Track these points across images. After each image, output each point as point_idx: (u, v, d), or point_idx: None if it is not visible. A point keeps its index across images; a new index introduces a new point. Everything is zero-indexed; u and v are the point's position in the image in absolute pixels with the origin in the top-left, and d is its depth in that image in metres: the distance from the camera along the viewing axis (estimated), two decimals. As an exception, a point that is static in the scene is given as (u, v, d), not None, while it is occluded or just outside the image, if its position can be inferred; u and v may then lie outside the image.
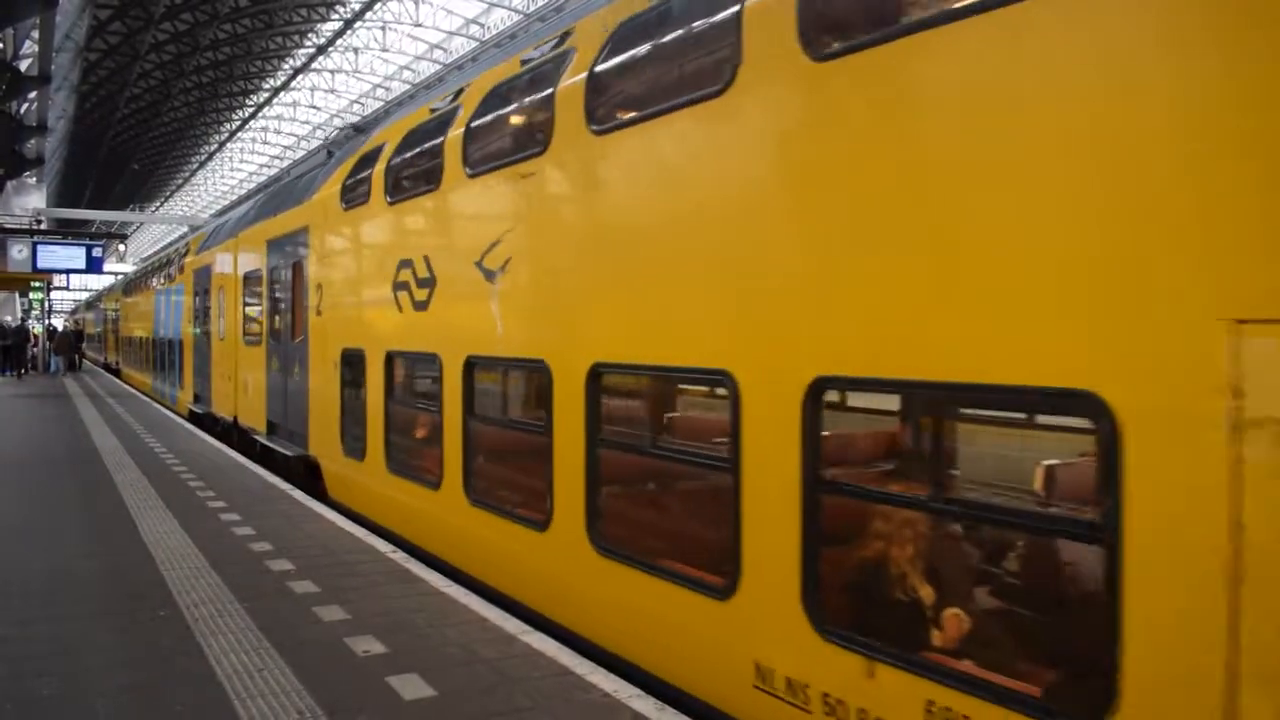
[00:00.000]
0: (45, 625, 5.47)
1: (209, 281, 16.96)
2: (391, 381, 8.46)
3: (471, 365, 6.87)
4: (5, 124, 24.12)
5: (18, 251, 25.47)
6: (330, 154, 11.91)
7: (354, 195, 9.32)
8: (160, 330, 24.03)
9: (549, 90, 5.90)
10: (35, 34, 20.56)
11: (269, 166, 67.13)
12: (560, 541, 5.66)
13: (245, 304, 14.23)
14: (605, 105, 5.53)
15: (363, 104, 53.26)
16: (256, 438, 12.93)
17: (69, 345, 36.78)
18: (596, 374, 5.35)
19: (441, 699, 4.38)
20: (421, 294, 7.54)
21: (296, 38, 47.62)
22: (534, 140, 6.11)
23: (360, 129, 11.78)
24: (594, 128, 5.42)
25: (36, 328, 42.69)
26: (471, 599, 6.04)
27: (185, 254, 20.97)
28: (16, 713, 4.27)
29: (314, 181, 11.32)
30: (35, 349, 35.81)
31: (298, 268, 11.27)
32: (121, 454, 12.76)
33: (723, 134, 4.52)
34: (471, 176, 6.85)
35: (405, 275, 7.84)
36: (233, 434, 14.71)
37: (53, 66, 23.77)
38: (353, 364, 9.26)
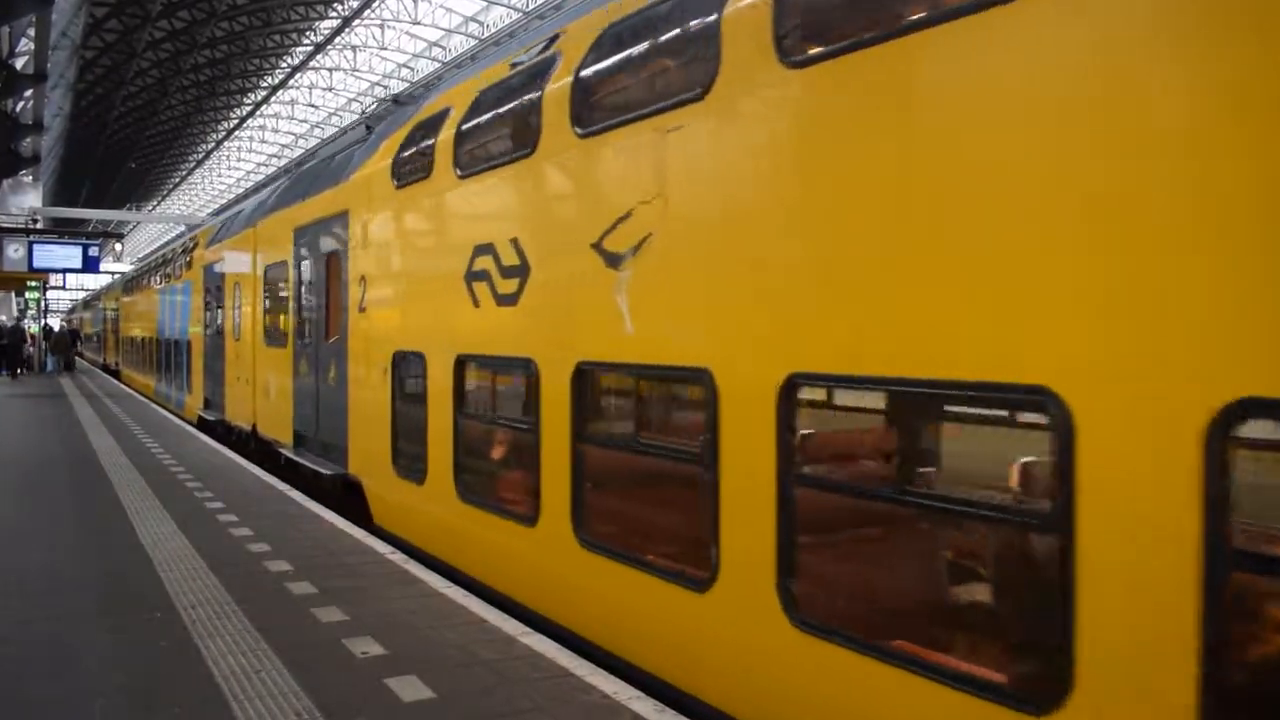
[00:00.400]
0: (43, 625, 5.44)
1: (222, 277, 15.67)
2: (463, 391, 7.07)
3: (583, 373, 5.51)
4: (1, 122, 24.06)
5: (14, 251, 25.34)
6: (369, 129, 10.49)
7: (410, 170, 7.97)
8: (165, 330, 22.56)
9: (708, 19, 4.59)
10: (31, 32, 20.49)
11: (266, 165, 67.09)
12: (733, 606, 4.33)
13: (266, 301, 12.79)
14: (809, 30, 4.22)
15: (360, 102, 53.21)
16: (282, 451, 11.52)
17: (66, 345, 36.82)
18: (793, 387, 4.02)
19: (441, 701, 4.36)
20: (508, 285, 6.23)
21: (294, 36, 47.53)
22: (684, 85, 4.83)
23: (401, 101, 10.53)
24: (789, 60, 4.10)
25: (33, 327, 42.68)
26: (471, 600, 6.02)
27: (193, 248, 19.42)
28: (14, 713, 4.26)
29: (352, 159, 9.85)
30: (31, 349, 35.73)
31: (334, 258, 9.89)
32: (118, 455, 12.72)
33: (1051, 47, 3.10)
34: (584, 137, 5.48)
35: (484, 263, 6.52)
36: (249, 444, 13.51)
37: (49, 64, 23.70)
38: (409, 369, 7.98)
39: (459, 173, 7.03)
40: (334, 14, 43.99)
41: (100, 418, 17.93)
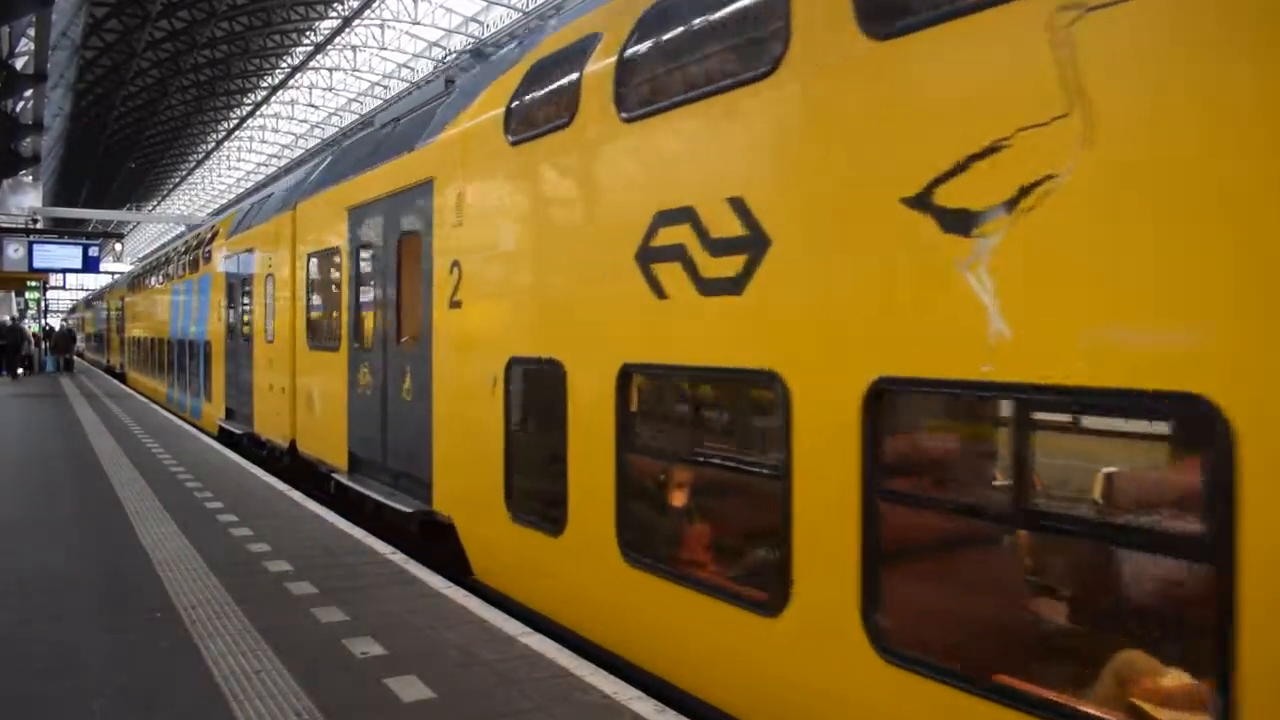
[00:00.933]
0: (43, 625, 5.45)
1: (250, 269, 13.82)
2: (630, 413, 5.24)
3: (887, 396, 3.70)
4: (1, 122, 24.07)
5: (14, 251, 25.36)
6: (450, 83, 8.79)
7: (535, 119, 6.27)
8: (179, 330, 20.54)
9: None
10: (31, 32, 20.52)
11: (266, 165, 67.12)
12: None
13: (311, 295, 11.04)
14: None
15: (361, 102, 53.28)
16: (336, 477, 9.69)
17: (66, 345, 36.96)
18: None
19: (441, 701, 4.36)
20: (723, 266, 4.43)
21: (294, 36, 47.56)
22: None
23: (485, 53, 8.90)
24: None
25: (34, 327, 42.71)
26: (471, 600, 6.01)
27: (212, 238, 17.48)
28: (14, 713, 4.26)
29: (433, 118, 8.11)
30: (33, 349, 35.69)
31: (409, 241, 8.16)
32: (119, 455, 12.72)
33: None
34: (885, 38, 3.73)
35: (675, 235, 4.74)
36: (284, 462, 11.86)
37: (49, 64, 23.72)
38: (536, 381, 6.29)
39: (625, 115, 5.24)
40: (334, 14, 44.02)
41: (101, 418, 17.93)
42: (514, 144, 6.43)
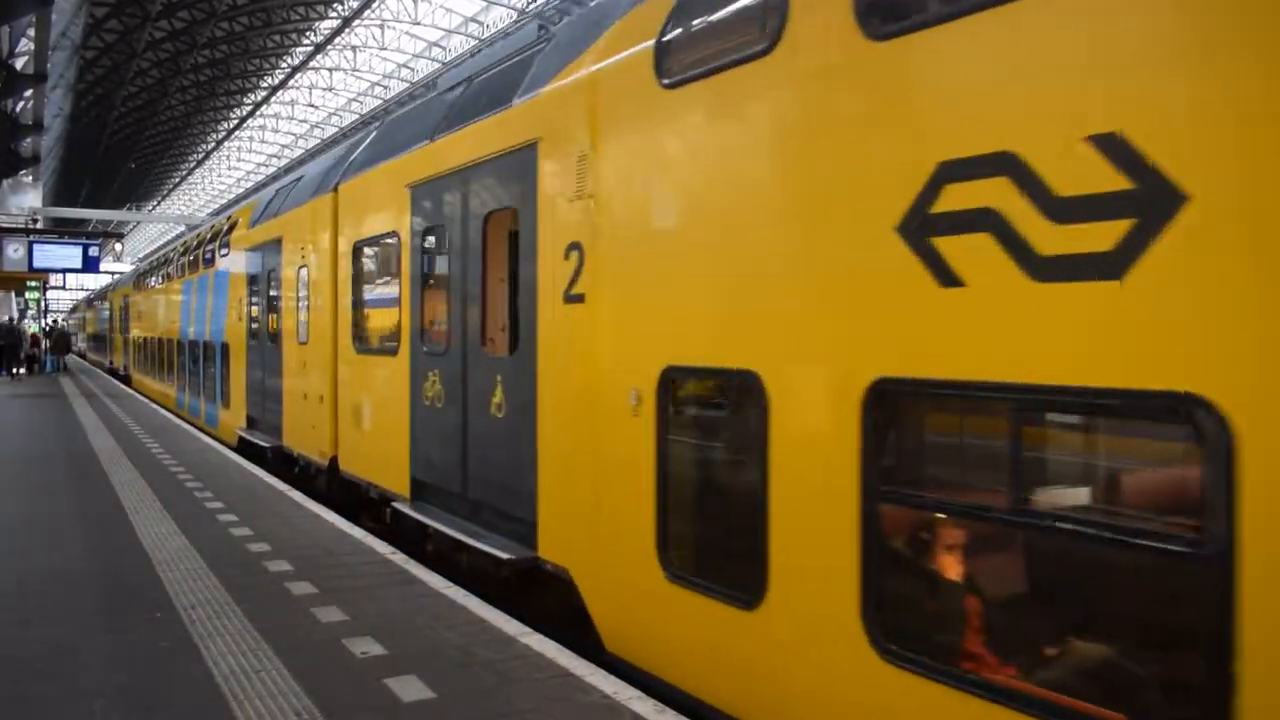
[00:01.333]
0: (43, 626, 5.45)
1: (277, 261, 12.38)
2: (888, 448, 3.86)
3: None
4: (1, 122, 24.09)
5: (14, 251, 25.39)
6: (544, 30, 7.45)
7: (707, 53, 4.81)
8: (191, 330, 18.92)
9: None
10: (31, 32, 20.53)
11: (266, 165, 67.17)
12: None
13: (357, 290, 9.69)
14: None
15: (361, 102, 53.30)
16: (396, 505, 8.28)
17: (66, 345, 37.16)
18: None
19: (440, 701, 4.36)
20: (1078, 239, 3.04)
21: (294, 36, 47.56)
22: None
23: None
24: None
25: (33, 327, 42.76)
26: (471, 600, 6.02)
27: (230, 230, 15.90)
28: (13, 713, 4.26)
29: (532, 68, 6.59)
30: (34, 350, 35.66)
31: (498, 220, 6.86)
32: (119, 455, 12.72)
33: None
34: None
35: (976, 196, 3.34)
36: (320, 482, 10.65)
37: (49, 65, 23.73)
38: (709, 398, 5.06)
39: (875, 32, 3.81)
40: (334, 14, 44.01)
41: (101, 418, 17.93)
42: (670, 86, 4.97)
